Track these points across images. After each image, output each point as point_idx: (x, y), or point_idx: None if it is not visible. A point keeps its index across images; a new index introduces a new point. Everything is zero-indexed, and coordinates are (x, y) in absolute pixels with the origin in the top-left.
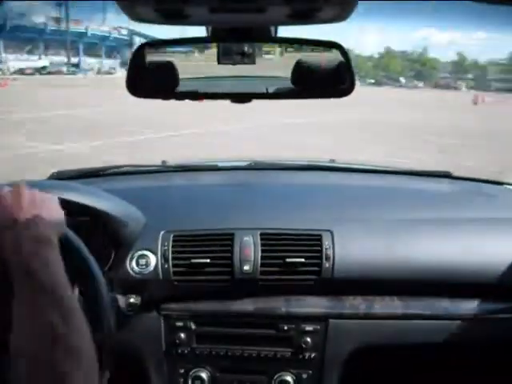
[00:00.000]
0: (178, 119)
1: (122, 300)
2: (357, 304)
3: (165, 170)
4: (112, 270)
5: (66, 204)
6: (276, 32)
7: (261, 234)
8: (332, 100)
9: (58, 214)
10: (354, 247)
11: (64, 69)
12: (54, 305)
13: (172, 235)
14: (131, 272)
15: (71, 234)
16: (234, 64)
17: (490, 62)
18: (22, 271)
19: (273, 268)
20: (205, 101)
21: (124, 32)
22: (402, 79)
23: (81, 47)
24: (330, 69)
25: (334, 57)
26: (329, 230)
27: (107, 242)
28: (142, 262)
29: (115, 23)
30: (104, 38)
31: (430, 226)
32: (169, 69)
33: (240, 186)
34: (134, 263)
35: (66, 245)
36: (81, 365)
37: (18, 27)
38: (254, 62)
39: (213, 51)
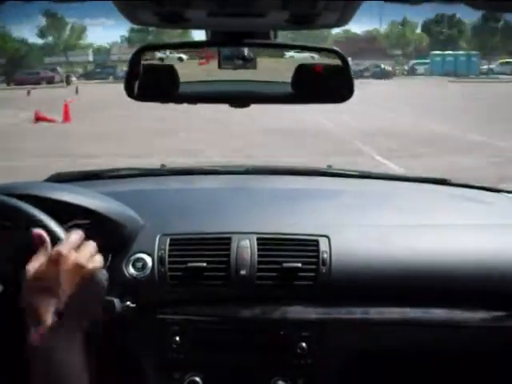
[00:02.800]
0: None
1: (117, 303)
2: (353, 310)
3: (163, 173)
4: (108, 272)
5: (63, 206)
6: (275, 36)
7: (258, 239)
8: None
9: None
10: (351, 253)
11: None
12: None
13: (169, 239)
14: (127, 275)
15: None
16: (235, 69)
17: None
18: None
19: (269, 273)
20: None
21: None
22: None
23: None
24: (329, 74)
25: (333, 62)
26: (325, 236)
27: (104, 245)
28: (139, 265)
29: None
30: None
31: (427, 232)
32: (169, 72)
33: (237, 190)
34: (130, 266)
35: None
36: None
37: None
38: (255, 67)
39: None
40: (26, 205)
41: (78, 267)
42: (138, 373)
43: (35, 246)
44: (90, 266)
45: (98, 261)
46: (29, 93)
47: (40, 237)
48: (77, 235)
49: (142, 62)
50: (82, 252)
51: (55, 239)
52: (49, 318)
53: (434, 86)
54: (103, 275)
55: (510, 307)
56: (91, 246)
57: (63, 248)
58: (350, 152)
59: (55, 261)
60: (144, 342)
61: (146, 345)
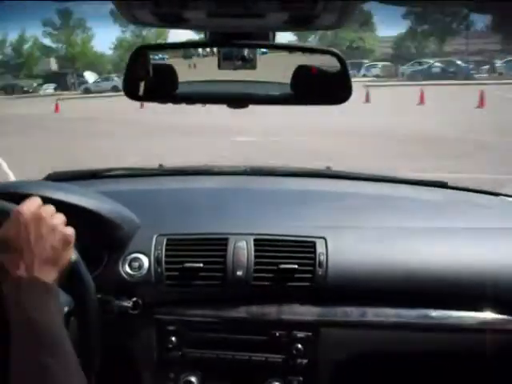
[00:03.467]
0: None
1: (114, 303)
2: (349, 312)
3: (160, 173)
4: (105, 272)
5: (60, 205)
6: (274, 37)
7: (255, 240)
8: None
9: (69, 255)
10: (348, 254)
11: None
12: (52, 352)
13: (166, 239)
14: (124, 275)
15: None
16: (234, 69)
17: None
18: (21, 321)
19: (266, 274)
20: None
21: None
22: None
23: None
24: (329, 76)
25: (332, 64)
26: (323, 237)
27: (101, 244)
28: (135, 265)
29: None
30: None
31: (425, 235)
32: (168, 72)
33: (235, 190)
34: (126, 266)
35: None
36: None
37: None
38: (254, 68)
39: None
40: None
41: (39, 221)
42: (133, 372)
43: None
44: (52, 220)
45: (59, 217)
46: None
47: None
48: (35, 200)
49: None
50: (42, 209)
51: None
52: (18, 273)
53: None
54: (66, 229)
55: (508, 311)
56: (51, 207)
57: (21, 207)
58: None
59: (16, 219)
60: (140, 341)
61: (141, 344)
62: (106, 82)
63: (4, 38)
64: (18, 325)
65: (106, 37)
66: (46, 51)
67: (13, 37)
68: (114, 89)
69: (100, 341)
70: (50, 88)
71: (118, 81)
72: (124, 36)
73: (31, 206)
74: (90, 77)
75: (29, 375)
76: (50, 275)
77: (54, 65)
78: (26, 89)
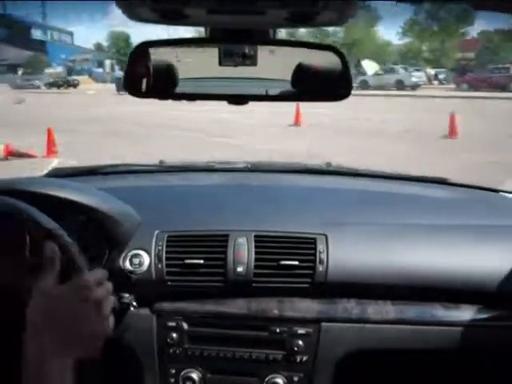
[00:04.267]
0: None
1: (114, 299)
2: (350, 308)
3: (161, 169)
4: (106, 268)
5: (61, 202)
6: (275, 34)
7: (255, 236)
8: None
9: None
10: (349, 251)
11: None
12: None
13: (166, 235)
14: (125, 271)
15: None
16: (235, 66)
17: None
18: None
19: (266, 270)
20: None
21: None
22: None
23: None
24: (329, 72)
25: (333, 60)
26: (323, 234)
27: (101, 241)
28: (136, 261)
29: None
30: None
31: (425, 231)
32: (168, 69)
33: (236, 187)
34: (127, 262)
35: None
36: None
37: None
38: (255, 64)
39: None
40: (45, 216)
41: (95, 303)
42: (134, 368)
43: (44, 259)
44: (105, 306)
45: (112, 301)
46: None
47: (53, 251)
48: (101, 272)
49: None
50: (101, 289)
51: (74, 266)
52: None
53: None
54: (111, 320)
55: (508, 306)
56: (110, 285)
57: (89, 279)
58: None
59: (77, 290)
60: (141, 337)
61: (142, 340)
62: (389, 76)
63: None
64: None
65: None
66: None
67: None
68: (399, 83)
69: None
70: None
71: (403, 74)
72: (416, 18)
73: (97, 280)
74: (369, 67)
75: None
76: (69, 358)
77: None
78: None
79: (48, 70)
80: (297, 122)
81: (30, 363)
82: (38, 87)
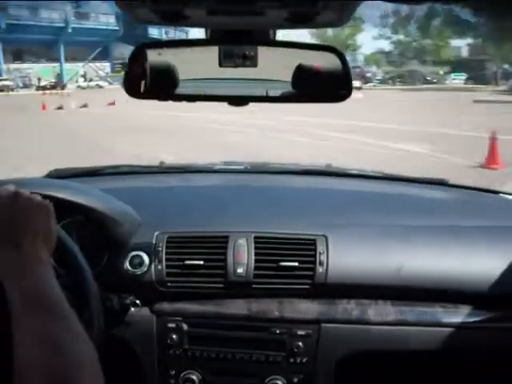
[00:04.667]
0: None
1: (114, 299)
2: (350, 309)
3: (162, 171)
4: (106, 269)
5: (62, 202)
6: (275, 35)
7: (255, 238)
8: None
9: (52, 224)
10: (348, 252)
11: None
12: (57, 318)
13: (166, 236)
14: (125, 272)
15: (63, 234)
16: (235, 67)
17: None
18: (21, 292)
19: (266, 271)
20: None
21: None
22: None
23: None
24: (330, 73)
25: (333, 61)
26: (323, 235)
27: (102, 241)
28: (136, 262)
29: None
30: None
31: (424, 232)
32: (168, 70)
33: (236, 188)
34: (127, 263)
35: (57, 245)
36: (87, 373)
37: None
38: (255, 65)
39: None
40: None
41: (17, 199)
42: (134, 369)
43: None
44: (29, 195)
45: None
46: None
47: None
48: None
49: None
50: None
51: None
52: (10, 251)
53: None
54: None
55: (507, 308)
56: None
57: None
58: None
59: None
60: (140, 338)
61: (142, 341)
62: None
63: (408, 13)
64: (16, 292)
65: None
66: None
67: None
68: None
69: (101, 338)
70: (458, 79)
71: None
72: None
73: (6, 188)
74: None
75: (33, 340)
76: (42, 250)
77: (464, 50)
78: (428, 78)
79: None
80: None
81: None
82: None
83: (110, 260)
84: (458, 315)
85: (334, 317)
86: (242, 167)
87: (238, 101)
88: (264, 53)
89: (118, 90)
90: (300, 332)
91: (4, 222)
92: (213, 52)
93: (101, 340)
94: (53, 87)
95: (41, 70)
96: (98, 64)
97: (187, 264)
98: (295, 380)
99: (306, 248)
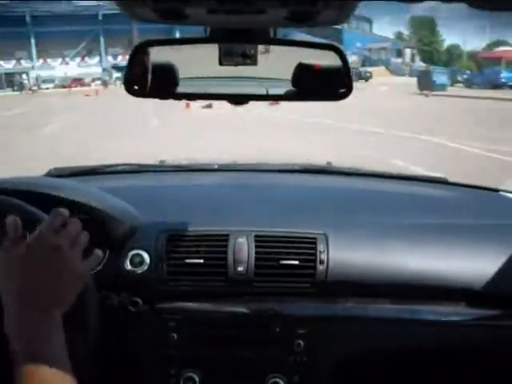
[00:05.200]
0: None
1: (114, 299)
2: (350, 308)
3: (162, 169)
4: (106, 268)
5: (61, 202)
6: (275, 33)
7: (255, 236)
8: None
9: (76, 292)
10: (349, 251)
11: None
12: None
13: (167, 235)
14: (125, 271)
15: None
16: (235, 65)
17: None
18: (24, 354)
19: (267, 270)
20: None
21: None
22: None
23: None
24: (330, 72)
25: (334, 60)
26: (323, 234)
27: (102, 240)
28: (136, 260)
29: None
30: None
31: (425, 231)
32: (168, 69)
33: (236, 187)
34: (127, 262)
35: None
36: None
37: None
38: (255, 64)
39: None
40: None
41: (55, 250)
42: (134, 368)
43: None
44: (71, 251)
45: (80, 246)
46: None
47: (14, 222)
48: (58, 216)
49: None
50: (62, 235)
51: (34, 222)
52: (16, 306)
53: None
54: (85, 263)
55: (507, 306)
56: (74, 226)
57: (43, 228)
58: None
59: (34, 244)
60: (141, 337)
61: (142, 340)
62: None
63: None
64: (20, 350)
65: None
66: None
67: None
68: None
69: (100, 337)
70: None
71: None
72: None
73: (52, 225)
74: None
75: None
76: (55, 311)
77: None
78: None
79: None
80: None
81: (13, 337)
82: None
83: (110, 259)
84: (459, 314)
85: (334, 315)
86: (242, 166)
87: (238, 99)
88: (264, 52)
89: None
90: (300, 330)
91: (38, 270)
92: (213, 50)
93: (98, 340)
94: None
95: None
96: None
97: (187, 263)
98: (296, 379)
99: (306, 246)
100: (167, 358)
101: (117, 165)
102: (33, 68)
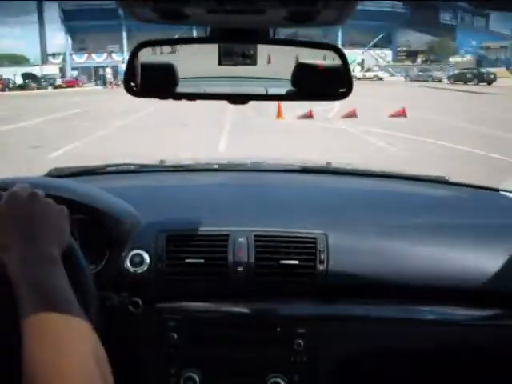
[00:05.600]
0: None
1: (114, 298)
2: (350, 307)
3: (162, 169)
4: (106, 268)
5: (62, 201)
6: (275, 33)
7: (255, 236)
8: None
9: (66, 226)
10: (349, 250)
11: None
12: (66, 321)
13: (167, 235)
14: (125, 271)
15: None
16: (235, 65)
17: None
18: (30, 294)
19: (267, 270)
20: None
21: None
22: None
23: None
24: (330, 71)
25: (333, 59)
26: (323, 233)
27: (102, 240)
28: (136, 260)
29: None
30: None
31: (425, 231)
32: (168, 69)
33: (236, 187)
34: (128, 262)
35: None
36: (89, 374)
37: None
38: (255, 64)
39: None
40: None
41: (35, 199)
42: (135, 368)
43: None
44: (45, 198)
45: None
46: None
47: None
48: (25, 184)
49: (141, 59)
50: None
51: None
52: (22, 250)
53: None
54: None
55: (508, 305)
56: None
57: (15, 188)
58: None
59: (13, 198)
60: (141, 337)
61: (143, 340)
62: None
63: None
64: (24, 286)
65: None
66: None
67: None
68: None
69: (101, 337)
70: None
71: None
72: None
73: (24, 187)
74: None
75: (36, 339)
76: (53, 250)
77: None
78: None
79: (454, 59)
80: None
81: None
82: (439, 80)
83: (111, 259)
84: (459, 313)
85: (334, 315)
86: (242, 165)
87: (238, 99)
88: (264, 52)
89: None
90: (300, 330)
91: (22, 219)
92: (212, 50)
93: (101, 339)
94: None
95: None
96: (378, 51)
97: (188, 262)
98: (296, 378)
99: (306, 246)
100: (167, 358)
101: (117, 165)
102: (123, 62)
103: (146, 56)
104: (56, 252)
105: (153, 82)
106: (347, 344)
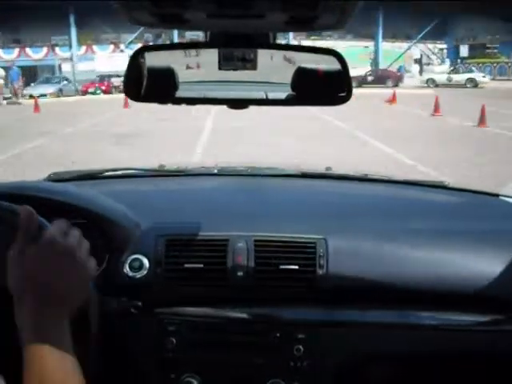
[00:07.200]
0: None
1: (114, 303)
2: (350, 313)
3: (161, 174)
4: (105, 272)
5: (61, 206)
6: (275, 38)
7: (255, 241)
8: None
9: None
10: (348, 255)
11: None
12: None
13: (166, 239)
14: (124, 275)
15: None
16: (235, 70)
17: None
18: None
19: (266, 275)
20: None
21: None
22: None
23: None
24: (329, 76)
25: (333, 64)
26: (323, 238)
27: (101, 245)
28: (135, 265)
29: None
30: None
31: (424, 236)
32: (168, 73)
33: (236, 192)
34: (127, 267)
35: None
36: None
37: None
38: (255, 68)
39: None
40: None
41: (68, 252)
42: (134, 372)
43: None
44: (80, 251)
45: (85, 247)
46: None
47: (29, 215)
48: (63, 222)
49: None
50: (70, 238)
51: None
52: (33, 303)
53: None
54: (92, 262)
55: (507, 311)
56: (77, 232)
57: (54, 232)
58: None
59: (47, 246)
60: (140, 342)
61: (142, 345)
62: None
63: None
64: (26, 339)
65: None
66: None
67: None
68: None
69: (100, 342)
70: None
71: None
72: None
73: (61, 230)
74: None
75: None
76: (62, 314)
77: None
78: None
79: None
80: None
81: (27, 333)
82: None
83: (110, 263)
84: (459, 319)
85: (334, 320)
86: (242, 170)
87: (238, 104)
88: (264, 56)
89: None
90: (300, 335)
91: (48, 275)
92: (212, 55)
93: (100, 344)
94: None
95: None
96: (430, 46)
97: (187, 267)
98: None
99: (306, 251)
100: (166, 363)
101: (116, 169)
102: (71, 59)
103: (146, 61)
104: (68, 310)
105: (153, 87)
106: (347, 349)
